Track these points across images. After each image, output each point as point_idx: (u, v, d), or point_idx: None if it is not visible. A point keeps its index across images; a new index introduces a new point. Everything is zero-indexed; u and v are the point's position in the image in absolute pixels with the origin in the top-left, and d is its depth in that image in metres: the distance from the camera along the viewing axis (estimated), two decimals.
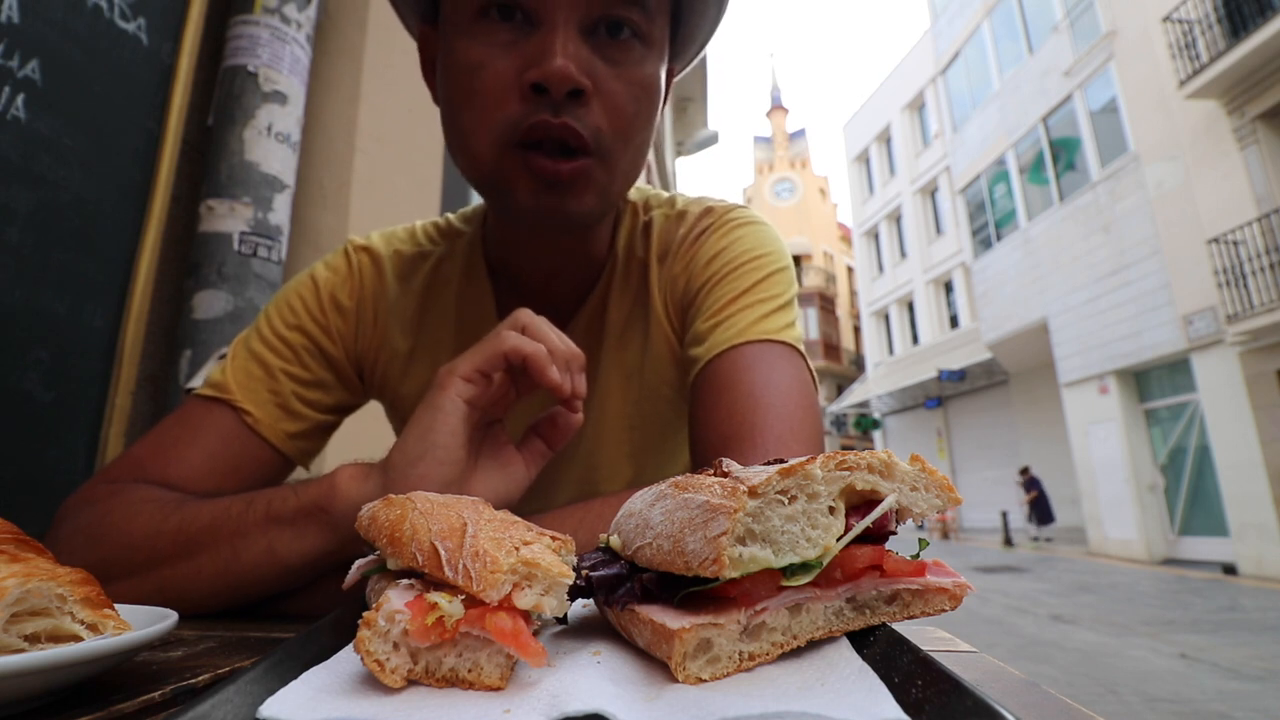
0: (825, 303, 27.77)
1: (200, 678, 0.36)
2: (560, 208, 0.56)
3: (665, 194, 0.76)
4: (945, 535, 15.61)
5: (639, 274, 0.72)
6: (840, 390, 26.68)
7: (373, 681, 0.27)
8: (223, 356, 1.30)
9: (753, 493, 0.30)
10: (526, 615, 0.29)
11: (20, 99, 0.95)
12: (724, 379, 0.60)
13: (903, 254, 19.53)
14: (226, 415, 0.65)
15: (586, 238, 0.68)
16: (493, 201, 0.61)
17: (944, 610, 0.35)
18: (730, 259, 0.67)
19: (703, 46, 0.68)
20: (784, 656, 0.31)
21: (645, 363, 0.72)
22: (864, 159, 21.55)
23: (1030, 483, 13.47)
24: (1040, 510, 13.27)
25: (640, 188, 0.76)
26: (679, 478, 0.36)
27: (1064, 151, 11.77)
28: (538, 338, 0.53)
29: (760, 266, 0.67)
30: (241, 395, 0.65)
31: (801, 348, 0.65)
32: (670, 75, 0.66)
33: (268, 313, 0.71)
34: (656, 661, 0.30)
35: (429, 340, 0.73)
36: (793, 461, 0.32)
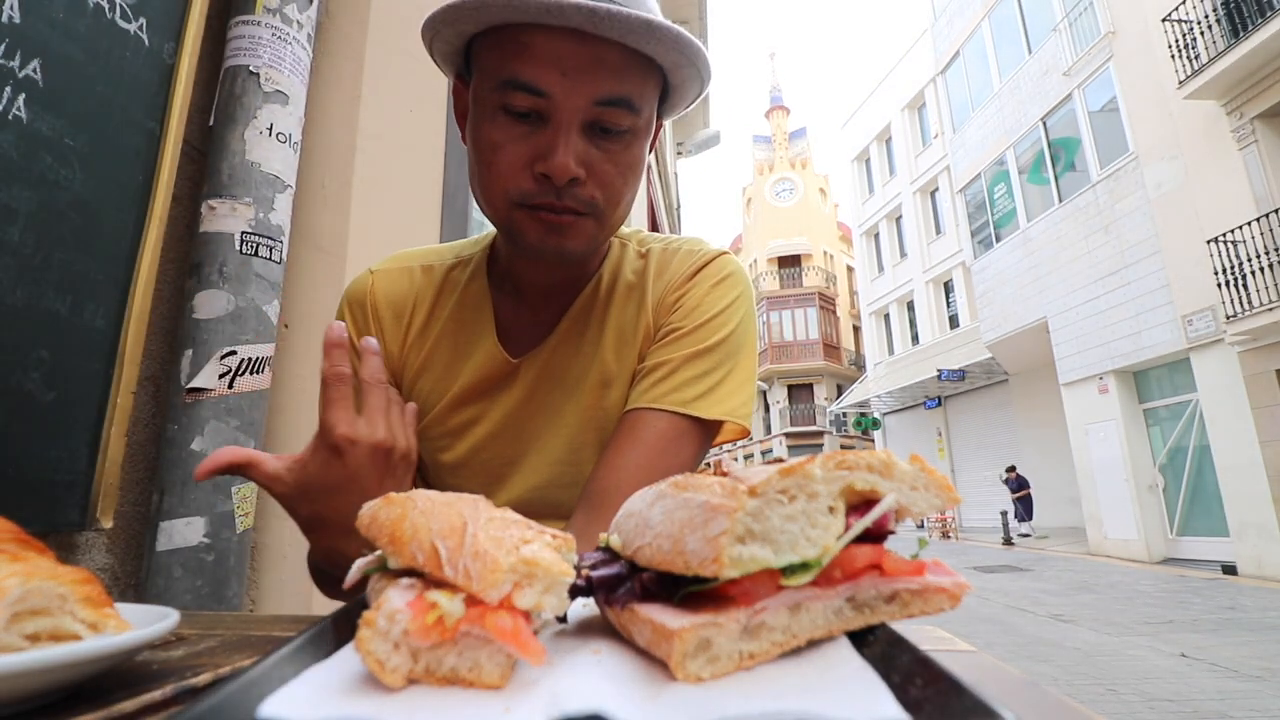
0: (825, 302, 27.72)
1: (201, 677, 0.36)
2: (561, 246, 0.67)
3: (660, 235, 0.87)
4: (945, 535, 15.60)
5: (635, 289, 0.80)
6: (840, 390, 26.65)
7: (373, 681, 0.28)
8: (224, 356, 1.30)
9: (753, 492, 0.30)
10: (527, 614, 0.29)
11: (21, 99, 0.95)
12: (622, 433, 0.71)
13: (903, 254, 19.51)
14: None
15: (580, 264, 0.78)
16: (504, 236, 0.73)
17: (943, 610, 0.35)
18: (700, 316, 0.75)
19: (685, 111, 0.77)
20: (784, 655, 0.31)
21: (621, 365, 0.78)
22: (864, 159, 21.53)
23: (1019, 481, 13.64)
24: (1026, 507, 13.44)
25: (637, 229, 0.87)
26: (678, 477, 0.36)
27: (1064, 151, 11.77)
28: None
29: (719, 329, 0.75)
30: None
31: (720, 418, 0.73)
32: (657, 128, 0.76)
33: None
34: (656, 661, 0.30)
35: (430, 336, 0.81)
36: (792, 461, 0.32)
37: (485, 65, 0.66)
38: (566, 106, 0.62)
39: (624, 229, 0.85)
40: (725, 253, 0.82)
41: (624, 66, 0.63)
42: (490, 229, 0.85)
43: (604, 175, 0.66)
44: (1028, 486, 13.66)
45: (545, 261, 0.72)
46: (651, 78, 0.67)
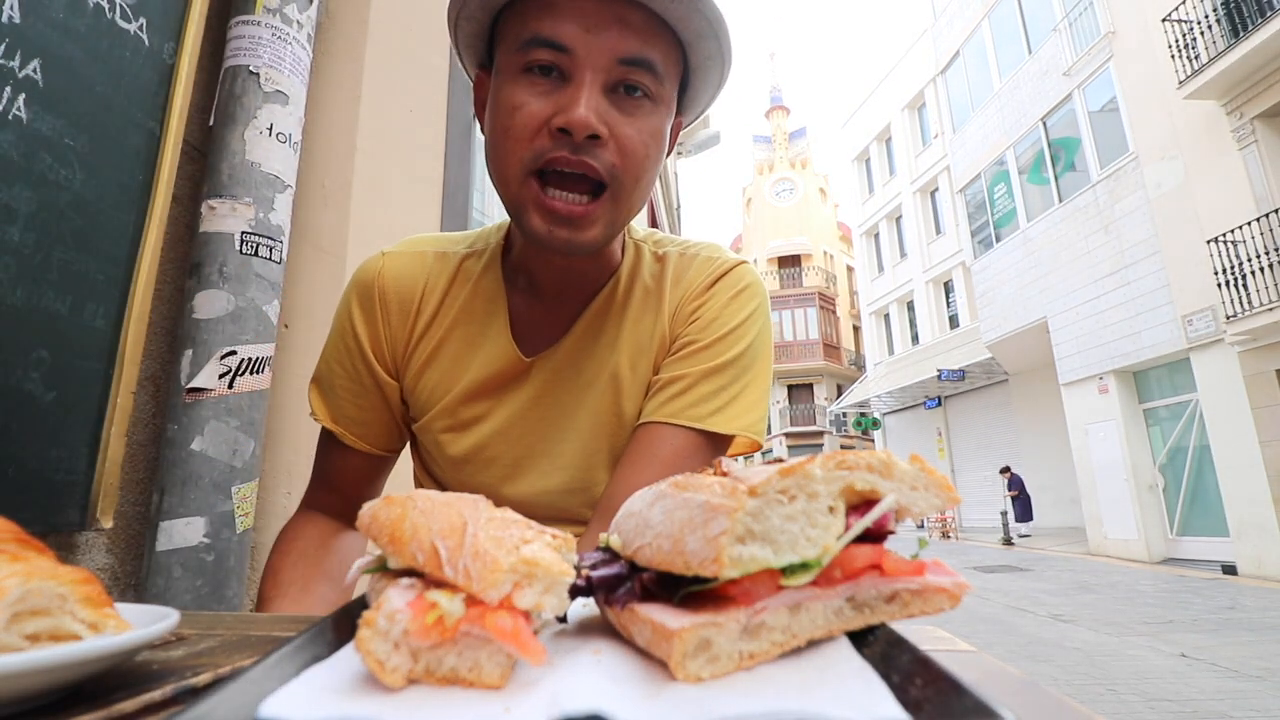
0: (825, 302, 27.71)
1: (201, 677, 0.36)
2: (569, 239, 0.66)
3: (675, 237, 0.85)
4: (945, 535, 15.59)
5: (652, 295, 0.78)
6: (840, 390, 26.64)
7: (373, 681, 0.28)
8: (224, 356, 1.30)
9: (753, 492, 0.30)
10: (527, 614, 0.29)
11: (21, 99, 0.95)
12: (638, 448, 0.72)
13: (903, 254, 19.50)
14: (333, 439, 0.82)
15: (592, 258, 0.75)
16: (514, 220, 0.70)
17: (943, 610, 0.35)
18: (717, 330, 0.75)
19: (706, 107, 0.77)
20: (784, 655, 0.31)
21: (635, 373, 0.76)
22: (864, 159, 21.52)
23: (1012, 481, 13.66)
24: (1022, 508, 13.46)
25: (651, 230, 0.86)
26: (678, 477, 0.36)
27: (1064, 151, 11.76)
28: None
29: (736, 343, 0.75)
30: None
31: (735, 433, 0.74)
32: (677, 128, 0.76)
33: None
34: (656, 661, 0.30)
35: (442, 326, 0.79)
36: (793, 461, 0.32)
37: (509, 34, 0.66)
38: (589, 62, 0.63)
39: (637, 229, 0.84)
40: (743, 262, 0.81)
41: (646, 28, 0.64)
42: (505, 218, 0.83)
43: (625, 140, 0.64)
44: (1021, 487, 13.67)
45: (555, 253, 0.70)
46: (673, 53, 0.67)
